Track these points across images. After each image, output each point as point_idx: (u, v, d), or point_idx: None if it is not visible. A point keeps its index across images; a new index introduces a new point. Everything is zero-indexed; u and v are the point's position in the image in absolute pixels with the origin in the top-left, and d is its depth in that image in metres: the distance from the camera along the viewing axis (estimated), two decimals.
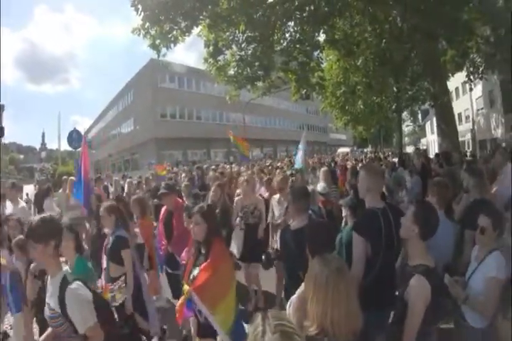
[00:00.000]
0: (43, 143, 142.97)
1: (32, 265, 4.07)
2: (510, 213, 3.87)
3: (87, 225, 6.69)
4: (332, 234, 3.22)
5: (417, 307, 2.41)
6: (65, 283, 2.50)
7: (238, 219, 6.29)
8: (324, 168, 8.84)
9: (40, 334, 3.62)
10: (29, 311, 4.03)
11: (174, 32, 10.78)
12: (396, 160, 14.53)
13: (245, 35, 12.09)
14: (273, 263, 5.99)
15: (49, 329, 2.77)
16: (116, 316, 3.61)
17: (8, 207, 7.75)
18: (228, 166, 15.07)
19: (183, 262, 4.37)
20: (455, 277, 3.18)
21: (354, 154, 32.94)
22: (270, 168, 14.99)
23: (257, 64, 12.71)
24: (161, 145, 34.22)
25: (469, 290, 3.04)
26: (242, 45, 12.62)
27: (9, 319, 4.54)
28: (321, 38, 13.92)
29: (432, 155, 15.91)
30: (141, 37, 10.62)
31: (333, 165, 14.95)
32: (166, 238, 5.81)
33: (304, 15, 11.38)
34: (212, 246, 3.37)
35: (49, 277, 2.67)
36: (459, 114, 32.19)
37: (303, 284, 2.37)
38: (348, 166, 13.70)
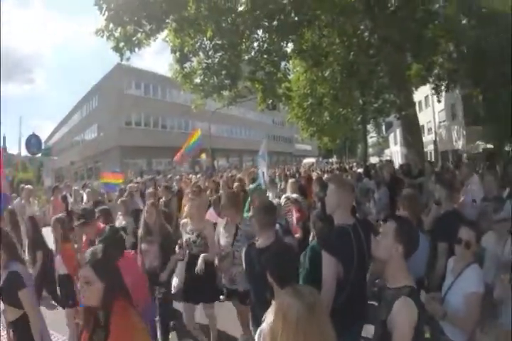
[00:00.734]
0: (4, 148, 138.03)
1: None
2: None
3: None
4: (298, 258, 3.07)
5: (406, 332, 2.18)
6: None
7: (177, 247, 4.77)
8: (292, 180, 8.63)
9: None
10: None
11: (139, 35, 10.45)
12: (361, 170, 14.56)
13: (213, 43, 11.90)
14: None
15: None
16: None
17: None
18: (193, 176, 14.73)
19: None
20: (431, 293, 3.11)
21: (319, 165, 33.20)
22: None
23: (223, 72, 12.50)
24: (125, 153, 33.36)
25: (447, 305, 2.92)
26: (209, 53, 12.39)
27: None
28: (289, 48, 13.92)
29: (395, 166, 16.14)
30: (105, 39, 10.25)
31: (297, 175, 14.74)
32: None
33: (273, 24, 11.30)
34: (113, 315, 2.22)
35: None
36: (422, 126, 33.19)
37: (272, 309, 2.15)
38: (314, 177, 13.62)
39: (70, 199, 11.75)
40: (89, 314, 2.30)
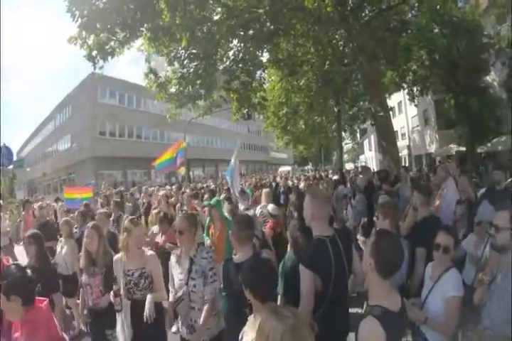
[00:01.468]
0: None
1: None
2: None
3: None
4: (276, 272, 2.99)
5: None
6: None
7: (111, 294, 3.82)
8: (266, 190, 8.46)
9: None
10: None
11: (112, 43, 10.25)
12: (337, 177, 14.62)
13: (188, 52, 11.80)
14: None
15: None
16: None
17: None
18: (170, 188, 14.55)
19: None
20: (411, 299, 3.08)
21: (295, 172, 33.45)
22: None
23: (198, 82, 12.37)
24: (99, 164, 32.63)
25: (427, 310, 2.94)
26: (184, 62, 12.26)
27: None
28: (264, 57, 13.97)
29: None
30: (78, 46, 10.03)
31: (273, 184, 14.65)
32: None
33: (249, 33, 11.30)
34: None
35: None
36: (396, 132, 34.06)
37: (251, 326, 2.20)
38: (290, 185, 13.59)
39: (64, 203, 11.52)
40: None
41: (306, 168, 47.32)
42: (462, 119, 21.57)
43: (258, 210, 7.07)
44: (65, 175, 39.63)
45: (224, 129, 51.50)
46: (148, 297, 3.65)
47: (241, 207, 8.19)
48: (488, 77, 21.68)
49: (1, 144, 12.39)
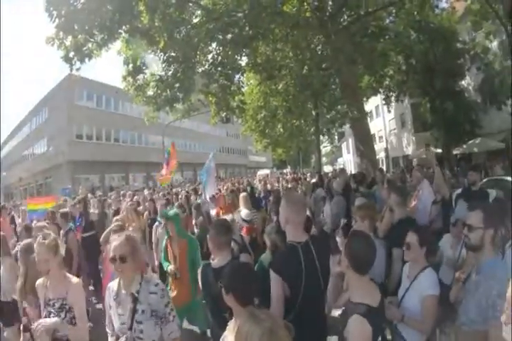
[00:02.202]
0: None
1: None
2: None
3: None
4: (256, 275, 2.93)
5: None
6: None
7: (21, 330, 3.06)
8: (243, 193, 8.38)
9: None
10: None
11: (90, 45, 10.14)
12: (315, 180, 14.69)
13: (166, 55, 11.74)
14: None
15: None
16: None
17: None
18: (148, 192, 14.37)
19: None
20: (389, 298, 3.11)
21: (274, 176, 33.62)
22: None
23: (177, 85, 12.33)
24: (76, 168, 31.96)
25: (404, 309, 2.99)
26: (163, 65, 12.20)
27: None
28: (243, 61, 14.00)
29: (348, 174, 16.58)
30: (55, 47, 9.90)
31: (249, 189, 14.47)
32: None
33: (227, 37, 11.31)
34: None
35: None
36: (374, 135, 34.69)
37: (231, 330, 2.22)
38: (269, 188, 13.57)
39: (18, 220, 11.00)
40: None
41: (284, 170, 47.33)
42: (438, 122, 22.20)
43: (236, 215, 6.90)
44: (41, 180, 38.73)
45: (202, 133, 51.26)
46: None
47: (212, 212, 8.27)
48: (463, 82, 22.34)
49: None
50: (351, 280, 2.52)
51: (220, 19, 10.33)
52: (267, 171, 44.65)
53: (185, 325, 5.19)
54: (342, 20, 12.90)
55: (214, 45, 12.20)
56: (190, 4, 10.87)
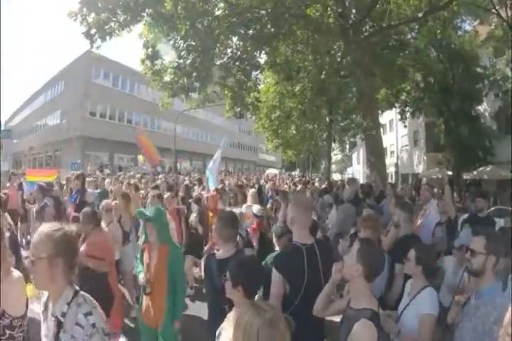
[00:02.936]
0: None
1: None
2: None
3: None
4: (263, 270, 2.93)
5: None
6: None
7: None
8: (252, 190, 8.46)
9: None
10: None
11: (112, 24, 10.18)
12: (324, 186, 14.65)
13: (186, 43, 11.77)
14: None
15: None
16: None
17: None
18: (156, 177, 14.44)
19: None
20: (387, 311, 3.12)
21: (282, 176, 33.63)
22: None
23: (194, 74, 12.33)
24: (87, 144, 32.07)
25: (402, 324, 2.98)
26: (182, 53, 12.23)
27: None
28: (262, 59, 14.02)
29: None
30: (78, 22, 9.96)
31: (256, 186, 14.50)
32: None
33: (249, 32, 11.32)
34: None
35: None
36: (385, 149, 34.43)
37: (229, 322, 2.21)
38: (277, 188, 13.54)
39: (26, 188, 10.70)
40: None
41: (293, 173, 47.23)
42: (451, 144, 21.87)
43: (244, 209, 6.93)
44: (51, 152, 38.95)
45: (215, 125, 51.13)
46: None
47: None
48: (480, 107, 22.00)
49: None
50: (357, 286, 2.48)
51: (243, 14, 10.36)
52: (275, 171, 44.57)
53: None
54: (364, 30, 12.83)
55: (235, 39, 12.22)
56: None
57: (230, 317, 2.34)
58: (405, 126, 23.31)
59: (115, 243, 5.28)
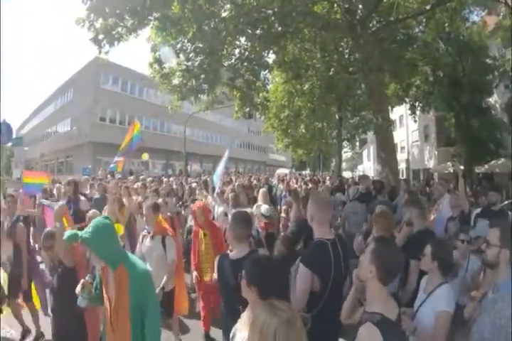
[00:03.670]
0: None
1: None
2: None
3: None
4: (285, 270, 2.83)
5: None
6: None
7: None
8: (263, 189, 8.38)
9: None
10: None
11: (119, 29, 10.22)
12: (335, 184, 14.59)
13: (194, 46, 11.81)
14: None
15: None
16: None
17: None
18: (166, 179, 14.42)
19: None
20: (403, 308, 3.02)
21: (293, 176, 33.57)
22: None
23: (202, 76, 12.36)
24: (97, 150, 32.33)
25: (417, 321, 2.94)
26: (190, 56, 12.27)
27: None
28: (270, 59, 14.02)
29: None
30: (85, 29, 10.02)
31: (266, 187, 14.21)
32: None
33: (256, 32, 11.32)
34: None
35: None
36: (396, 145, 34.27)
37: (244, 322, 2.19)
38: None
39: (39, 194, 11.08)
40: None
41: (303, 172, 47.11)
42: (462, 138, 21.64)
43: (255, 209, 6.87)
44: (62, 158, 39.42)
45: (224, 126, 51.22)
46: None
47: (218, 209, 7.96)
48: (490, 99, 21.79)
49: (1, 120, 12.21)
50: (371, 289, 2.39)
51: (250, 14, 10.36)
52: (286, 170, 44.50)
53: None
54: (371, 25, 12.76)
55: (242, 39, 12.23)
56: None
57: (244, 317, 2.32)
58: (415, 121, 23.16)
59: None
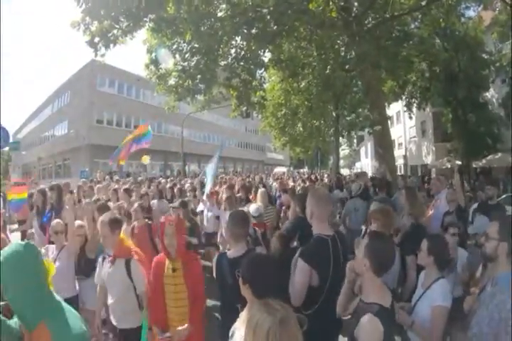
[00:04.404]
0: None
1: None
2: None
3: None
4: (280, 269, 2.78)
5: None
6: None
7: None
8: (262, 189, 8.34)
9: None
10: None
11: (115, 31, 10.15)
12: (333, 182, 14.61)
13: (190, 46, 11.80)
14: None
15: None
16: None
17: None
18: (164, 180, 14.36)
19: None
20: (401, 303, 3.16)
21: (289, 174, 33.64)
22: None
23: (199, 77, 12.36)
24: (95, 152, 32.25)
25: (415, 316, 3.00)
26: (186, 56, 12.24)
27: None
28: (266, 57, 14.02)
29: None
30: (81, 32, 9.98)
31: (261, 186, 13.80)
32: None
33: (252, 32, 11.32)
34: None
35: None
36: (393, 141, 34.40)
37: (242, 321, 2.19)
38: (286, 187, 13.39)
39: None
40: None
41: (301, 170, 47.22)
42: (459, 133, 21.72)
43: (252, 208, 6.56)
44: (60, 161, 39.34)
45: (221, 126, 51.27)
46: None
47: (207, 213, 7.90)
48: (487, 94, 21.90)
49: None
50: (367, 281, 2.49)
51: (245, 14, 10.36)
52: (283, 169, 44.54)
53: None
54: (367, 22, 12.78)
55: (238, 39, 12.22)
56: None
57: (243, 316, 2.34)
58: (410, 118, 23.23)
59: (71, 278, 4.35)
